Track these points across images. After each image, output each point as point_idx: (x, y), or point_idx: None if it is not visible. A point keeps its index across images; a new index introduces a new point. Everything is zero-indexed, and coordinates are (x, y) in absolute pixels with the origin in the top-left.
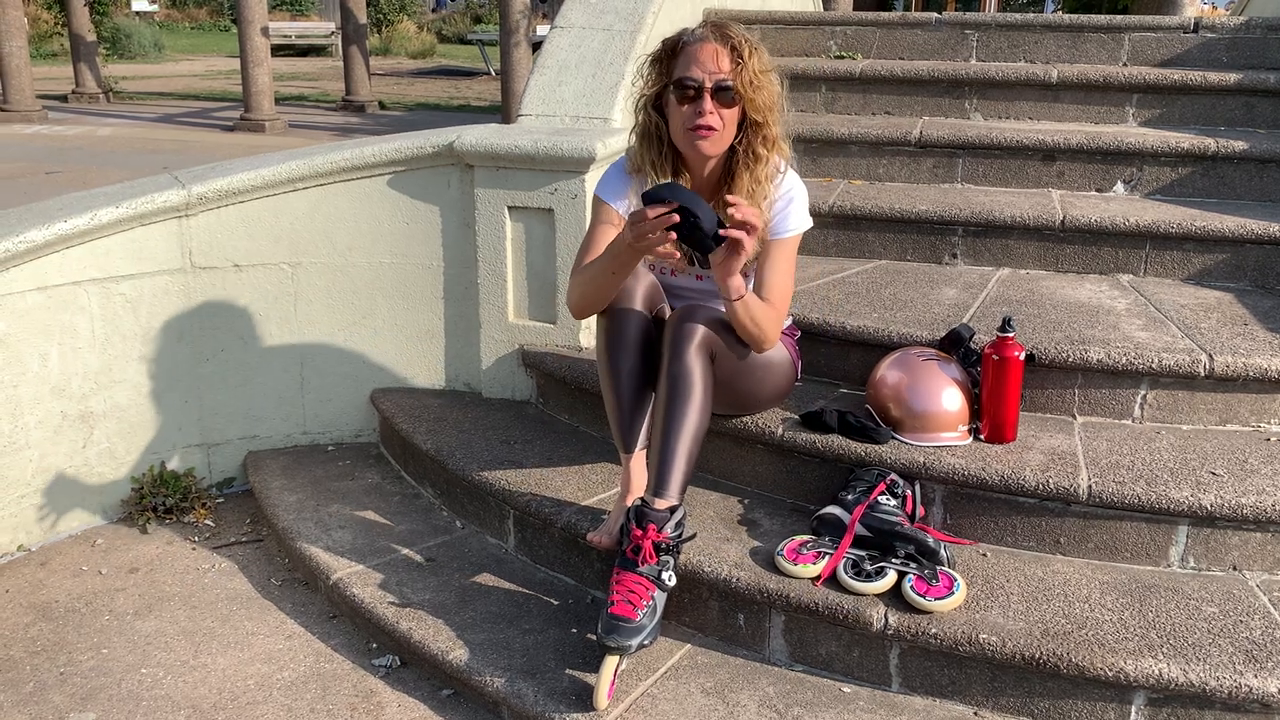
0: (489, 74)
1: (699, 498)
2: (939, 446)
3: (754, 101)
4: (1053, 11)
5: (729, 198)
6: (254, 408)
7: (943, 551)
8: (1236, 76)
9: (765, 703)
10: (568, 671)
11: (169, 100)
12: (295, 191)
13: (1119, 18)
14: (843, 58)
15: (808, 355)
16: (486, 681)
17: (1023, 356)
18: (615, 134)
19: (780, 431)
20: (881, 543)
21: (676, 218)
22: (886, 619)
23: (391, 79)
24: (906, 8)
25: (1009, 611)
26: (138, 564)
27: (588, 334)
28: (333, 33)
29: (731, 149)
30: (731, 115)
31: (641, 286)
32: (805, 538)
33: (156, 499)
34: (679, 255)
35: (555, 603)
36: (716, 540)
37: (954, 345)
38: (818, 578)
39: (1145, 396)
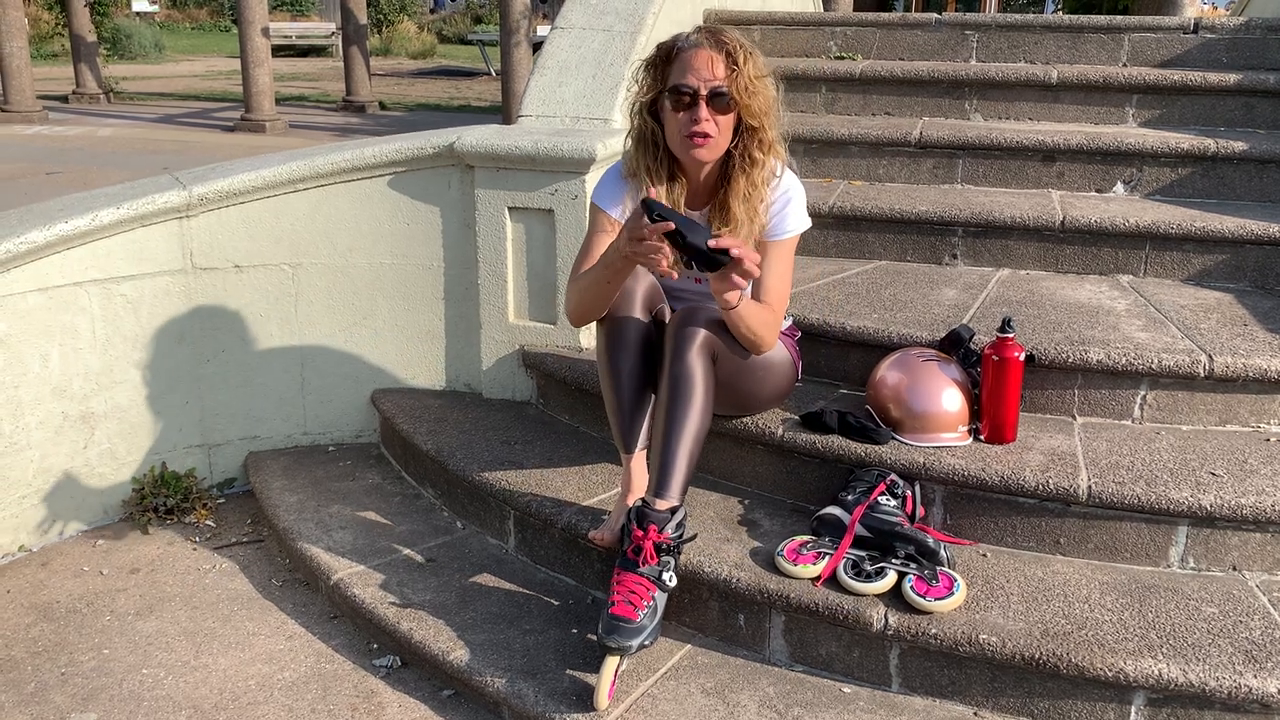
0: (489, 74)
1: (699, 498)
2: (939, 447)
3: (749, 107)
4: (1053, 12)
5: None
6: (255, 408)
7: (943, 552)
8: (1236, 77)
9: (765, 703)
10: (568, 672)
11: (169, 101)
12: (296, 192)
13: (1119, 18)
14: (843, 58)
15: (808, 356)
16: (487, 682)
17: (1022, 357)
18: (615, 135)
19: (780, 432)
20: (881, 543)
21: (673, 225)
22: (886, 619)
23: (392, 79)
24: (907, 8)
25: (1009, 612)
26: (139, 564)
27: (588, 335)
28: (333, 33)
29: (728, 153)
30: (727, 122)
31: (641, 287)
32: (805, 538)
33: (157, 499)
34: (676, 275)
35: (556, 603)
36: (717, 541)
37: (954, 346)
38: (818, 578)
39: (1145, 397)
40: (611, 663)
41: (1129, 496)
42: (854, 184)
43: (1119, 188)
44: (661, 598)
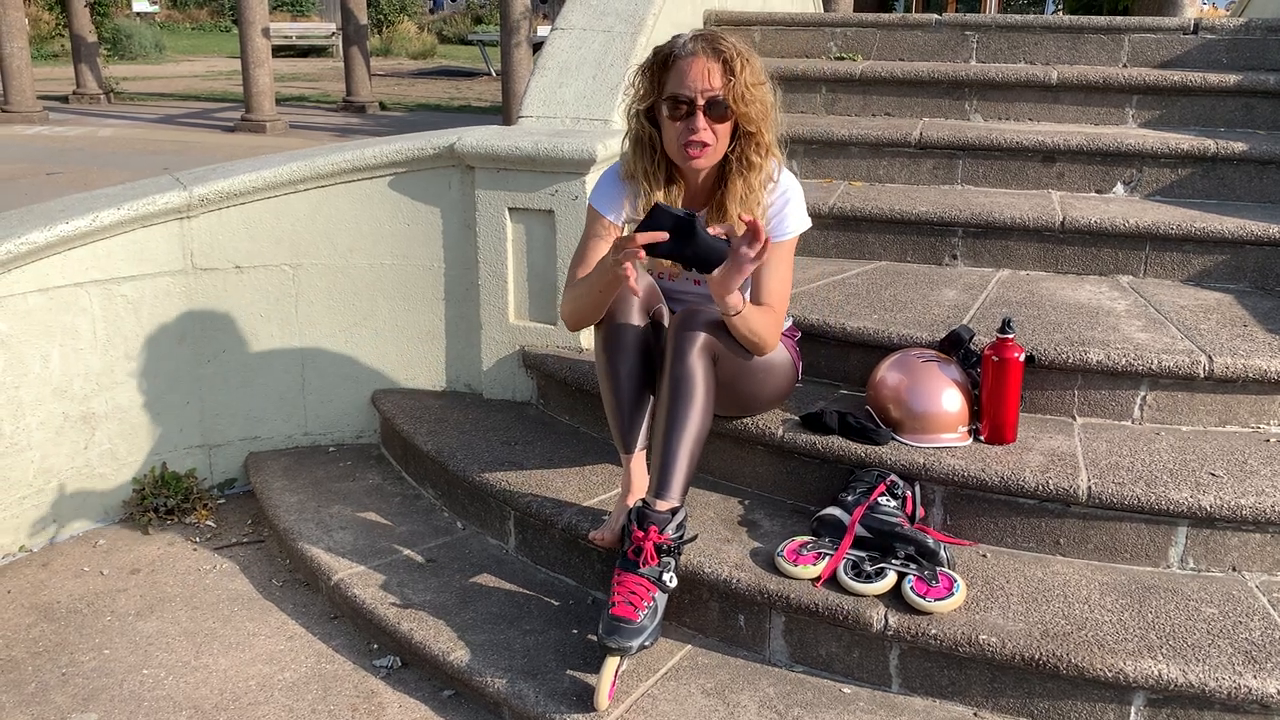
0: (489, 75)
1: (699, 499)
2: (939, 448)
3: (746, 114)
4: (1053, 12)
5: (713, 229)
6: (255, 409)
7: (943, 552)
8: (1236, 78)
9: (766, 703)
10: (569, 672)
11: (170, 101)
12: (296, 193)
13: (1119, 19)
14: (843, 59)
15: (808, 356)
16: (487, 682)
17: (1022, 358)
18: (615, 135)
19: (780, 433)
20: (881, 544)
21: (664, 236)
22: (886, 620)
23: (392, 80)
24: (907, 9)
25: (1009, 612)
26: (139, 565)
27: (588, 336)
28: (333, 33)
29: (725, 156)
30: (724, 129)
31: (639, 288)
32: (805, 539)
33: (158, 500)
34: (672, 276)
35: (556, 603)
36: (717, 541)
37: (954, 346)
38: (818, 579)
39: (1145, 397)
40: (612, 663)
41: (1129, 497)
42: (854, 185)
43: (1119, 188)
44: (662, 598)
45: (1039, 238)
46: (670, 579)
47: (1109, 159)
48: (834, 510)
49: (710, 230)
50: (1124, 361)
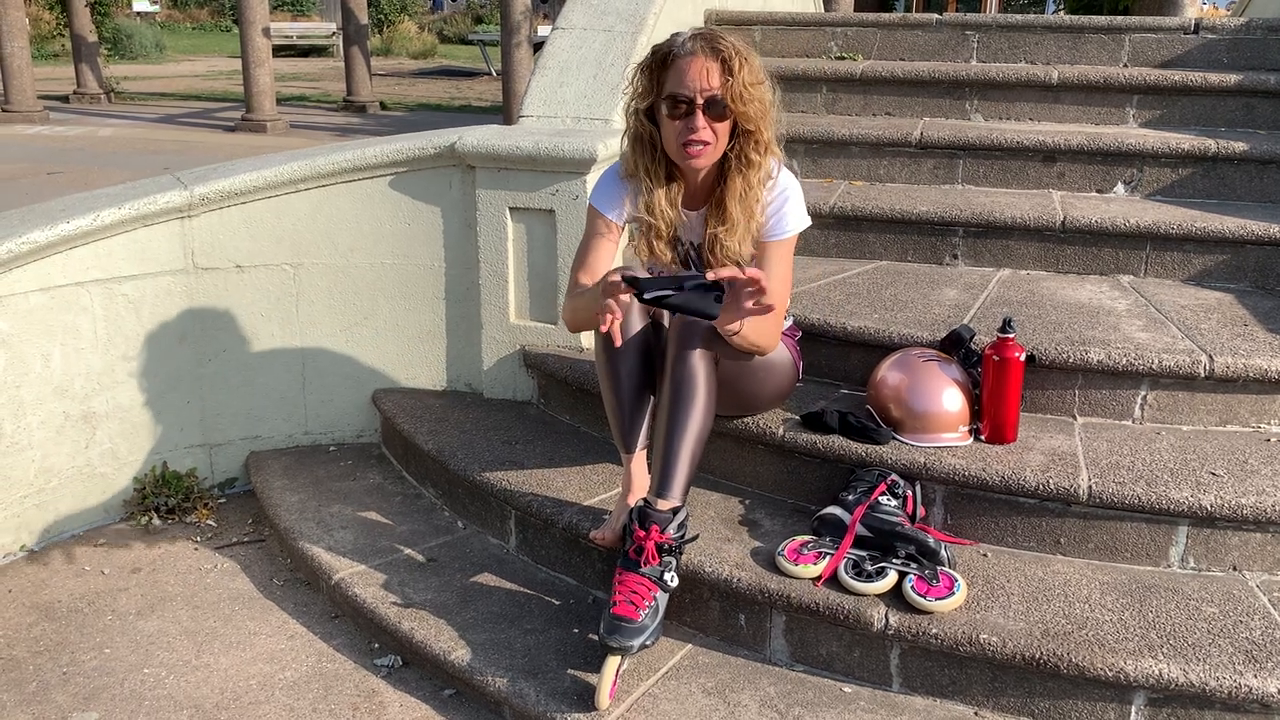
0: (490, 74)
1: (700, 498)
2: (939, 447)
3: (745, 113)
4: (1054, 12)
5: (710, 275)
6: (256, 408)
7: (943, 552)
8: (1237, 77)
9: (766, 703)
10: (569, 671)
11: (170, 101)
12: (297, 192)
13: (1119, 19)
14: (843, 59)
15: (809, 356)
16: (488, 681)
17: (1023, 357)
18: (616, 135)
19: (781, 432)
20: (882, 543)
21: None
22: (887, 619)
23: (393, 79)
24: (907, 9)
25: (1009, 612)
26: (140, 564)
27: (589, 335)
28: (334, 33)
29: (725, 154)
30: (724, 128)
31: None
32: (806, 538)
33: (159, 499)
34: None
35: (557, 603)
36: (718, 541)
37: (955, 346)
38: (818, 578)
39: (1145, 397)
40: (613, 662)
41: (1129, 496)
42: (855, 184)
43: (1119, 188)
44: (663, 598)
45: (1040, 237)
46: (671, 578)
47: (1110, 159)
48: (835, 510)
49: (709, 275)
50: (1125, 361)
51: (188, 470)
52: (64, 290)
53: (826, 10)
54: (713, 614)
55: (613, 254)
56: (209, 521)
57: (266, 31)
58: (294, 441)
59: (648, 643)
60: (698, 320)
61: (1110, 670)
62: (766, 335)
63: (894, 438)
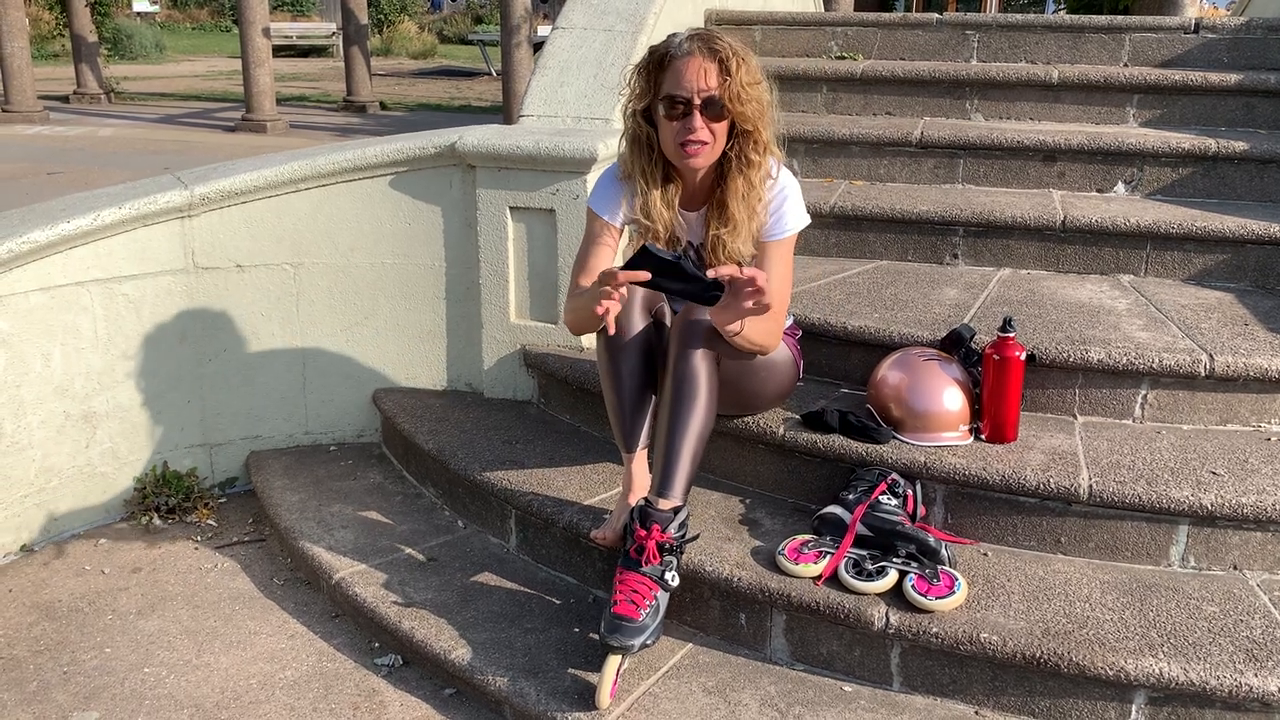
0: (490, 74)
1: (700, 498)
2: (940, 446)
3: (743, 113)
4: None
5: (711, 272)
6: (256, 408)
7: (944, 551)
8: (1237, 77)
9: (767, 702)
10: (570, 671)
11: (170, 101)
12: (297, 192)
13: (1120, 18)
14: (844, 58)
15: (809, 355)
16: (489, 681)
17: (1023, 356)
18: (616, 135)
19: (782, 431)
20: (883, 542)
21: (645, 275)
22: (888, 618)
23: (393, 79)
24: (907, 8)
25: (1010, 611)
26: (140, 563)
27: (589, 335)
28: (334, 33)
29: (724, 154)
30: (721, 128)
31: (641, 289)
32: (806, 537)
33: (159, 499)
34: (649, 294)
35: (557, 602)
36: (718, 540)
37: (955, 345)
38: (819, 577)
39: (1146, 396)
40: (613, 662)
41: (1130, 496)
42: (855, 184)
43: (1120, 187)
44: (663, 597)
45: (1040, 237)
46: (672, 577)
47: (1110, 158)
48: (835, 509)
49: (709, 272)
50: (1125, 360)
51: (188, 470)
52: (64, 290)
53: (826, 10)
54: (713, 613)
55: (612, 256)
56: (209, 521)
57: (266, 32)
58: (294, 441)
59: (648, 642)
60: (700, 320)
61: (1111, 669)
62: (768, 335)
63: (894, 437)
